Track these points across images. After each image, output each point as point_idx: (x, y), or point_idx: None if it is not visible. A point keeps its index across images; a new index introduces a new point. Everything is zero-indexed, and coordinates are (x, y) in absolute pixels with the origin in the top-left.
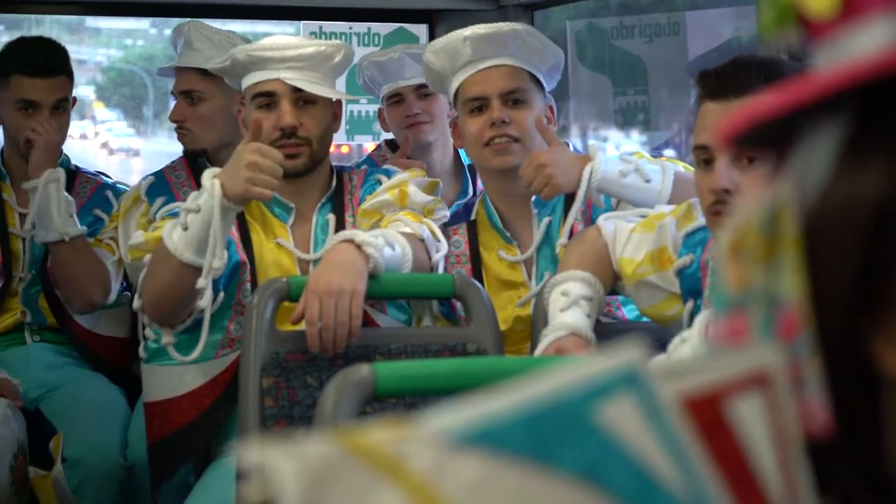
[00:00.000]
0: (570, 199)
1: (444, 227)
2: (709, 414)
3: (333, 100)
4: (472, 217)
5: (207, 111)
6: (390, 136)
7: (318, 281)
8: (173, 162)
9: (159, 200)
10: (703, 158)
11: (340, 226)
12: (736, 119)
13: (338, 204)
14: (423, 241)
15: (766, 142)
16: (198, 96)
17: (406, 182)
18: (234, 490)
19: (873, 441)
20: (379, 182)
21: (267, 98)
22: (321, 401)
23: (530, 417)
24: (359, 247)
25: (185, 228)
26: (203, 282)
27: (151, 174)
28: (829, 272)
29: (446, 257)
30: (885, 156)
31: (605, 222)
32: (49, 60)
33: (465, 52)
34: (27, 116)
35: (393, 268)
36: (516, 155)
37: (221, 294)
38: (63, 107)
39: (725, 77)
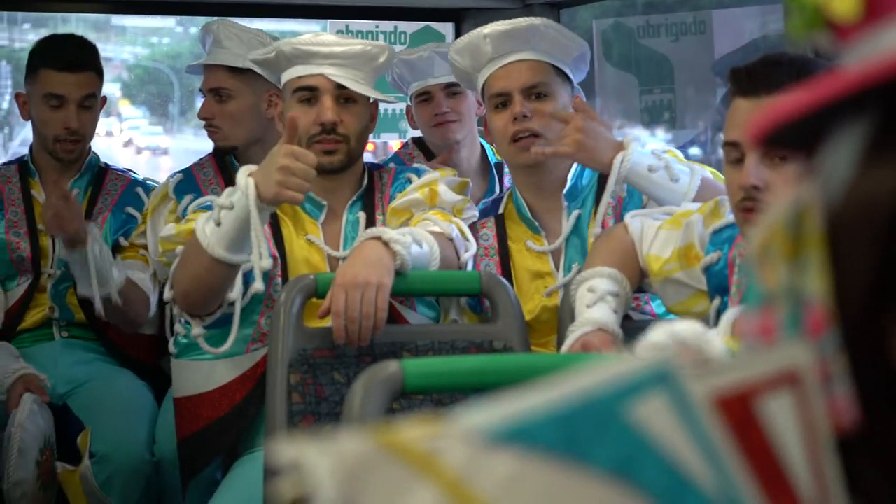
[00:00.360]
0: (600, 191)
1: (472, 224)
2: (740, 412)
3: (371, 100)
4: (501, 211)
5: (236, 108)
6: (417, 133)
7: (344, 275)
8: (201, 159)
9: (187, 198)
10: (734, 156)
11: (371, 224)
12: (764, 117)
13: (368, 202)
14: (451, 240)
15: (796, 140)
16: (226, 94)
17: (436, 181)
18: (261, 486)
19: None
20: (409, 181)
21: (309, 92)
22: (349, 397)
23: (563, 415)
24: (386, 244)
25: (218, 224)
26: (260, 285)
27: (179, 171)
28: (848, 270)
29: None
30: None
31: (633, 219)
32: (78, 56)
33: (486, 49)
34: (55, 111)
35: (420, 265)
36: (538, 151)
37: (252, 287)
38: (90, 103)
39: (756, 74)
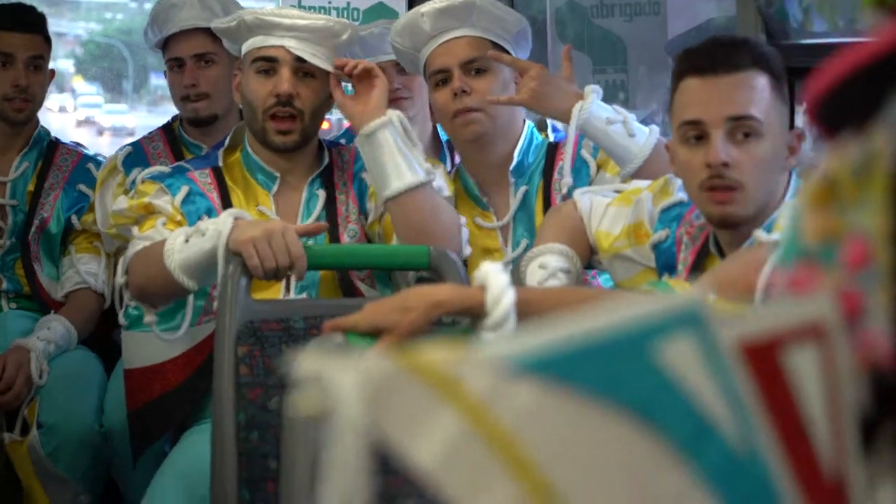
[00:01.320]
0: (548, 168)
1: None
2: (765, 361)
3: (330, 79)
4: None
5: (219, 74)
6: None
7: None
8: (150, 133)
9: (136, 171)
10: (694, 134)
11: (331, 201)
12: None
13: (328, 180)
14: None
15: (848, 108)
16: (210, 58)
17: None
18: (208, 458)
19: None
20: None
21: (267, 63)
22: (293, 368)
23: (590, 350)
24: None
25: (187, 240)
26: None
27: (128, 144)
28: None
29: None
30: None
31: (582, 196)
32: (25, 17)
33: (424, 27)
34: (3, 70)
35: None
36: (481, 124)
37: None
38: (38, 65)
39: (715, 52)
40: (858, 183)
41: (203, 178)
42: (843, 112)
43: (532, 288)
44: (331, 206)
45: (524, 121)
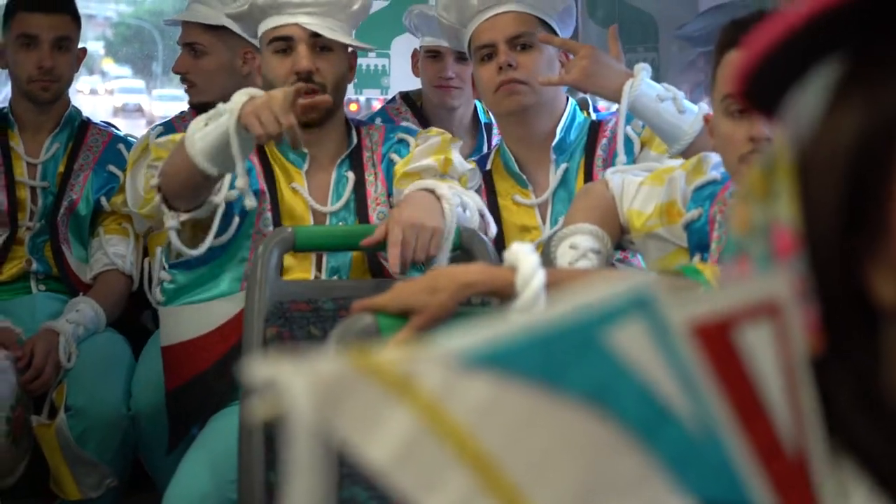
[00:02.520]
0: (589, 145)
1: None
2: (718, 341)
3: (349, 50)
4: (488, 167)
5: (210, 64)
6: (402, 89)
7: (401, 213)
8: (182, 112)
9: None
10: (737, 108)
11: (360, 183)
12: (742, 62)
13: (356, 160)
14: (482, 216)
15: (771, 92)
16: (201, 49)
17: (449, 149)
18: (235, 441)
19: (868, 368)
20: (402, 142)
21: (283, 42)
22: (323, 349)
23: (540, 340)
24: (438, 198)
25: (206, 124)
26: (241, 182)
27: (160, 123)
28: (820, 203)
29: None
30: (867, 87)
31: (613, 176)
32: None
33: (472, 2)
34: (28, 51)
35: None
36: (526, 95)
37: (236, 221)
38: (65, 45)
39: (751, 25)
40: (768, 178)
41: None
42: (767, 90)
43: (561, 269)
44: (360, 188)
45: (567, 99)
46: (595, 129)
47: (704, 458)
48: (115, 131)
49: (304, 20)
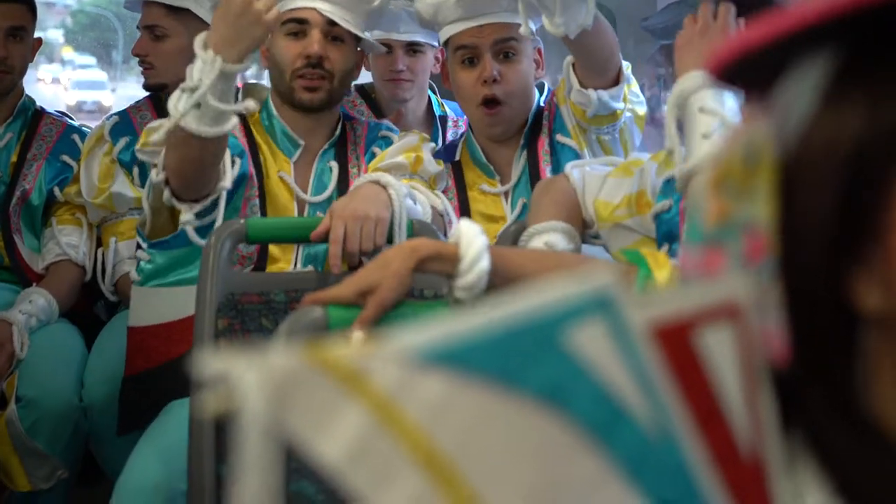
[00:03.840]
0: (534, 125)
1: None
2: (678, 343)
3: (358, 47)
4: (457, 157)
5: (170, 47)
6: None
7: (344, 207)
8: (138, 102)
9: (123, 140)
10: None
11: (343, 174)
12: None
13: (341, 152)
14: (441, 215)
15: (752, 75)
16: (161, 32)
17: (421, 148)
18: (186, 434)
19: (847, 377)
20: (385, 139)
21: (298, 25)
22: (273, 342)
23: (499, 338)
24: (384, 187)
25: (199, 106)
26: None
27: (115, 113)
28: (809, 208)
29: None
30: (866, 94)
31: (573, 170)
32: None
33: (457, 10)
34: None
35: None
36: (507, 116)
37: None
38: (19, 35)
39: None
40: (748, 171)
41: None
42: (748, 77)
43: (513, 249)
44: (343, 179)
45: (543, 85)
46: (539, 111)
47: (661, 459)
48: (70, 121)
49: (322, 6)
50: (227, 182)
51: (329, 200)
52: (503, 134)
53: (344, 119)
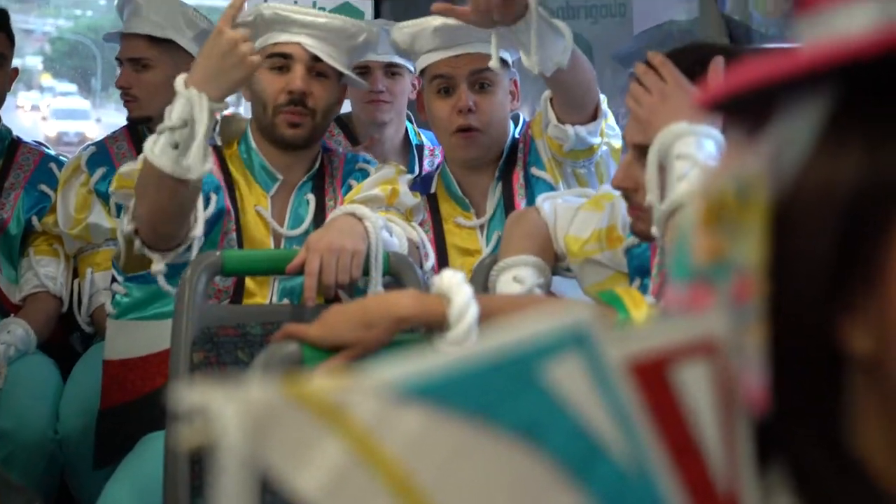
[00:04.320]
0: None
1: None
2: (654, 379)
3: (341, 81)
4: (433, 190)
5: (154, 79)
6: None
7: (319, 240)
8: (115, 132)
9: (100, 171)
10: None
11: (320, 207)
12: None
13: (318, 184)
14: (417, 247)
15: (744, 110)
16: (145, 63)
17: (397, 180)
18: (161, 467)
19: (835, 417)
20: (362, 171)
21: (282, 60)
22: (248, 375)
23: (476, 373)
24: (360, 219)
25: (176, 146)
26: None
27: (92, 144)
28: (803, 250)
29: None
30: (864, 138)
31: (544, 203)
32: None
33: (434, 40)
34: None
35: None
36: (482, 144)
37: (201, 240)
38: None
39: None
40: (740, 207)
41: None
42: (739, 111)
43: (496, 297)
44: (320, 212)
45: (519, 117)
46: (515, 143)
47: (637, 495)
48: (47, 150)
49: (306, 41)
50: (198, 231)
51: (306, 234)
52: (477, 160)
53: (322, 151)
